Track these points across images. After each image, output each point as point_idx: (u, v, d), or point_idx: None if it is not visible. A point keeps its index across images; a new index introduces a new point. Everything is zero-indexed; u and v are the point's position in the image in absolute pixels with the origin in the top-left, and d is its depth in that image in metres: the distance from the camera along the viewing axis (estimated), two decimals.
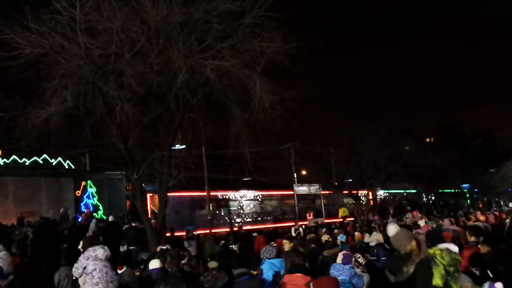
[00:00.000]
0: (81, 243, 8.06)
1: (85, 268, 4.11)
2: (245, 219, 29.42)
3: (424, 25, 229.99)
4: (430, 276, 5.67)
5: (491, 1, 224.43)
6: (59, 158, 21.86)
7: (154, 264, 8.40)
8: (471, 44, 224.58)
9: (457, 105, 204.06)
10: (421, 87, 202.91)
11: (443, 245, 5.88)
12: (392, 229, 8.03)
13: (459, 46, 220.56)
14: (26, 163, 20.81)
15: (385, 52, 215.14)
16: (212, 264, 8.20)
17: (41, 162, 21.14)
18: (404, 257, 6.64)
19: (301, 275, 6.63)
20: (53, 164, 21.65)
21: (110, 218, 18.67)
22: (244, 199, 30.28)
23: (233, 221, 28.21)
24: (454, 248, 5.91)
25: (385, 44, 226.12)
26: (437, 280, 5.63)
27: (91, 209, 22.35)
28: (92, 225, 16.51)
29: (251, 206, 30.91)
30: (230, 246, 14.31)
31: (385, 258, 10.01)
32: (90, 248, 4.26)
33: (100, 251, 4.23)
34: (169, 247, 11.20)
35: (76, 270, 4.14)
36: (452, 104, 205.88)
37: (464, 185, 50.43)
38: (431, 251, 5.88)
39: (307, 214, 31.13)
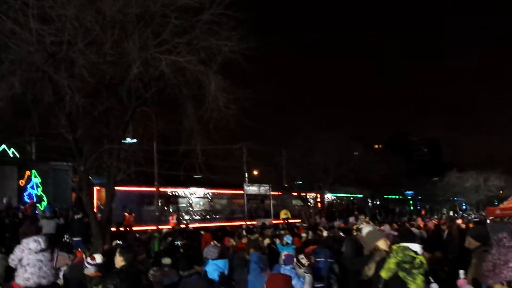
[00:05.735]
0: None
1: (20, 260, 3.95)
2: (193, 216, 29.34)
3: (375, 35, 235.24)
4: (380, 269, 5.89)
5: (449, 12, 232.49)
6: (4, 146, 21.15)
7: (98, 258, 8.26)
8: (428, 56, 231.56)
9: (411, 115, 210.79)
10: (378, 97, 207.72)
11: (405, 244, 6.00)
12: (366, 229, 8.51)
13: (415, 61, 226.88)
14: None
15: (350, 60, 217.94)
16: (166, 261, 8.14)
17: None
18: (367, 256, 6.85)
19: None
20: None
21: None
22: (194, 196, 30.19)
23: (181, 218, 28.06)
24: (416, 248, 5.99)
25: (347, 52, 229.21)
26: (383, 272, 5.83)
27: (35, 200, 21.73)
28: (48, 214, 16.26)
29: (201, 203, 30.85)
30: (176, 243, 14.21)
31: (331, 260, 10.17)
32: (24, 240, 4.10)
33: (33, 245, 4.00)
34: (120, 243, 11.09)
35: (12, 261, 3.98)
36: (405, 114, 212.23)
37: (408, 192, 52.12)
38: (393, 247, 6.06)
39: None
